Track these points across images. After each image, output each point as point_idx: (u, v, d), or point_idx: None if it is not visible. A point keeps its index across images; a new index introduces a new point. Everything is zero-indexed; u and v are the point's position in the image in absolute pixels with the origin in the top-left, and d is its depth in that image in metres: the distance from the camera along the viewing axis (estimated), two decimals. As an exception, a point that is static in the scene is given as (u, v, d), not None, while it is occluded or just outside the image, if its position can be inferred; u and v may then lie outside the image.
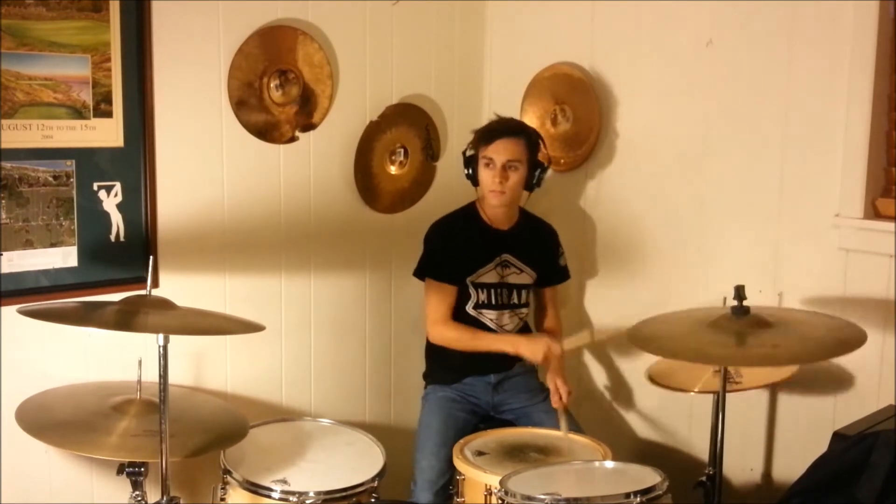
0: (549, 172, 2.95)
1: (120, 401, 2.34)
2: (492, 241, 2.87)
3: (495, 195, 2.79)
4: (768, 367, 2.53)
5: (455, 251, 2.84)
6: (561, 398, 2.71)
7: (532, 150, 2.81)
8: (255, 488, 2.31)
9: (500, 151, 2.75)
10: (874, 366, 2.49)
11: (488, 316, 2.86)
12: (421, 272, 2.89)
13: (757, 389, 2.63)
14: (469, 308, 2.85)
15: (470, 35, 3.38)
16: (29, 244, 2.44)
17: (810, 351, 2.23)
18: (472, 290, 2.84)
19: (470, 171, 2.85)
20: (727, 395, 2.34)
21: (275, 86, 2.81)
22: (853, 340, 2.16)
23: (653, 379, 2.65)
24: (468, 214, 2.89)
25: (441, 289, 2.83)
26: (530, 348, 2.72)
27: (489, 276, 2.85)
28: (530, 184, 2.84)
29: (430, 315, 2.85)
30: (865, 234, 2.49)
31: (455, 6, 3.32)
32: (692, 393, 2.52)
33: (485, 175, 2.79)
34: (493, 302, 2.86)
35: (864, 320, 2.31)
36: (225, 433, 2.36)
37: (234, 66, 2.73)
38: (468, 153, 2.86)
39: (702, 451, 2.75)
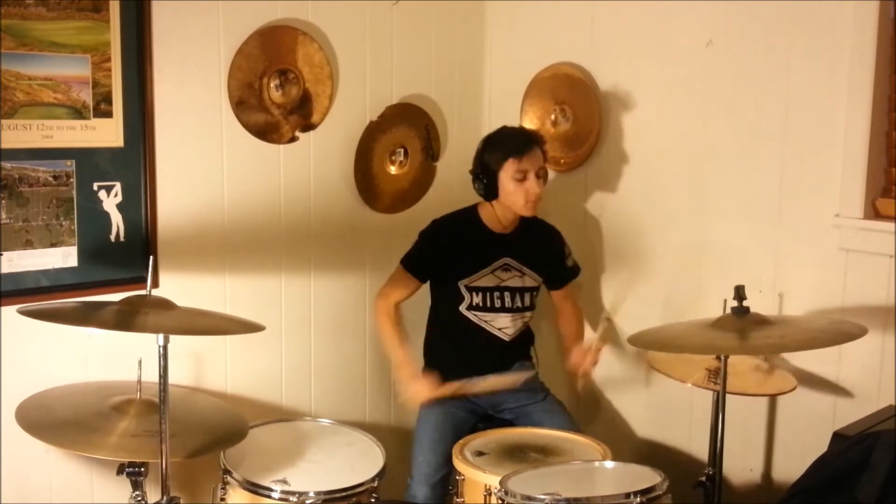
0: (550, 173, 2.95)
1: (120, 401, 2.34)
2: (491, 246, 2.86)
3: (531, 206, 2.76)
4: (775, 354, 2.62)
5: (443, 253, 2.84)
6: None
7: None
8: (255, 488, 2.31)
9: (533, 161, 2.73)
10: (874, 366, 2.49)
11: (483, 318, 2.86)
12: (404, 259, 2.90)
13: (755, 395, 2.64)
14: (462, 309, 2.85)
15: (470, 35, 3.38)
16: (29, 244, 2.44)
17: (815, 338, 2.25)
18: (465, 293, 2.84)
19: (484, 181, 2.75)
20: (727, 395, 2.34)
21: (275, 86, 2.81)
22: (855, 331, 2.18)
23: (653, 366, 2.64)
24: (468, 218, 2.88)
25: (406, 278, 2.87)
26: (403, 385, 2.78)
27: (486, 279, 2.84)
28: None
29: (384, 289, 2.90)
30: (865, 235, 2.49)
31: (455, 6, 3.32)
32: (688, 385, 2.51)
33: (518, 188, 2.72)
34: (489, 305, 2.85)
35: (864, 321, 2.30)
36: (225, 434, 2.37)
37: (234, 66, 2.73)
38: (490, 164, 2.74)
39: (702, 451, 2.75)
